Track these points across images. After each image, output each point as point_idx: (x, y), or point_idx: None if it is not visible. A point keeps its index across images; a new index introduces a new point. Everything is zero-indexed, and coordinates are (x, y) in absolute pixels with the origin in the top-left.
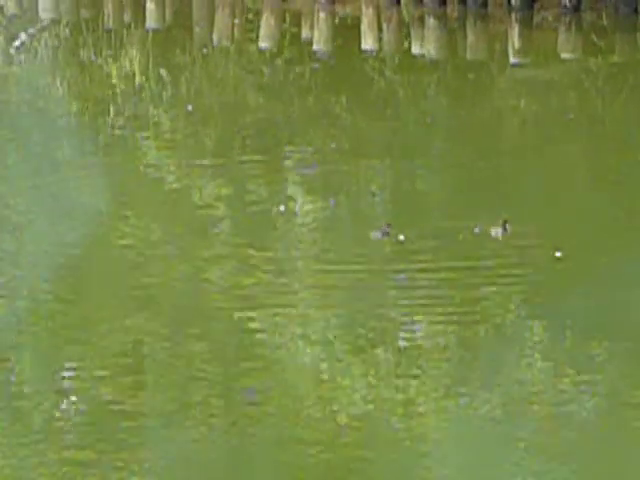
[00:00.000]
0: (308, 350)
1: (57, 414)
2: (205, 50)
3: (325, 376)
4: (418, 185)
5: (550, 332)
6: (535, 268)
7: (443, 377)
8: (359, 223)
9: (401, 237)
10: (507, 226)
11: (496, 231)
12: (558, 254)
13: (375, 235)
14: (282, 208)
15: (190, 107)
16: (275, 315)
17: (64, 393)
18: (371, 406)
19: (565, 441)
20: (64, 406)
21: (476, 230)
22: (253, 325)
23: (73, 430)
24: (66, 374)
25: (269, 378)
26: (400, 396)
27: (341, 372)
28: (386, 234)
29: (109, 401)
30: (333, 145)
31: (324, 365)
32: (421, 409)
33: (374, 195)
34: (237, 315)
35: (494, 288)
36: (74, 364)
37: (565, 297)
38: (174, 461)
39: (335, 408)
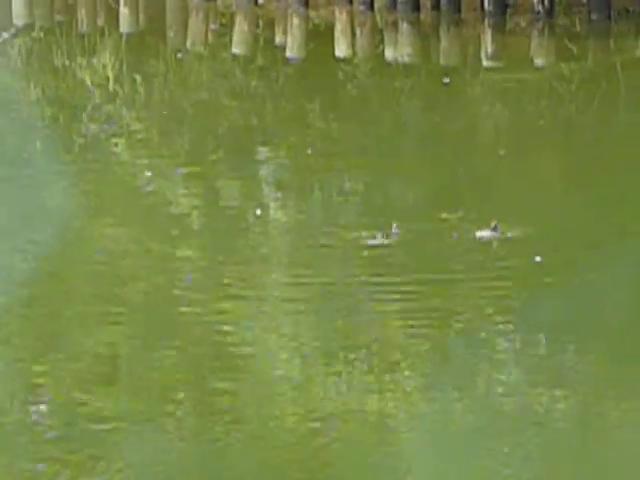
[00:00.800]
0: (282, 357)
1: (28, 421)
2: (180, 55)
3: (299, 381)
4: (392, 189)
5: (526, 338)
6: (515, 273)
7: (416, 382)
8: (333, 226)
9: (377, 240)
10: (498, 228)
11: (482, 234)
12: (538, 259)
13: (372, 242)
14: (258, 212)
15: (164, 111)
16: (249, 322)
17: (34, 401)
18: (344, 410)
19: (538, 447)
20: (35, 416)
21: (454, 235)
22: (228, 331)
23: (43, 439)
24: (37, 381)
25: (242, 383)
26: (373, 400)
27: (314, 378)
28: (387, 236)
29: (81, 404)
30: (308, 150)
31: (297, 370)
32: (394, 412)
33: (348, 199)
34: (212, 321)
35: (471, 294)
36: (45, 368)
37: (544, 302)
38: (148, 467)
39: (309, 411)
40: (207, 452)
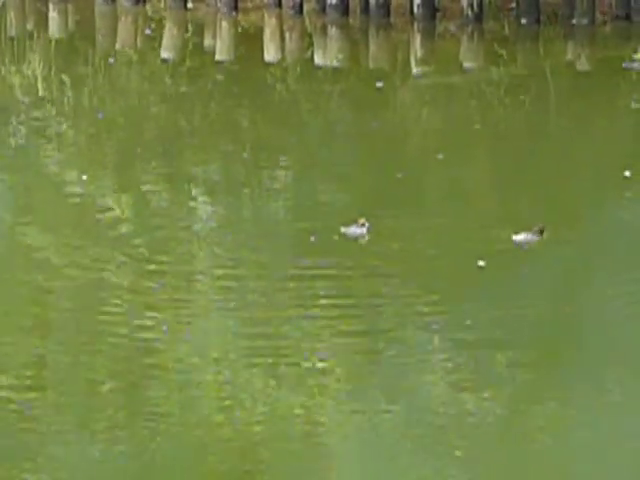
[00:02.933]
0: (209, 365)
1: None
2: (111, 60)
3: (226, 388)
4: (320, 193)
5: (456, 342)
6: (455, 277)
7: (344, 388)
8: (264, 231)
9: (313, 238)
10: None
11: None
12: (481, 263)
13: (351, 230)
14: (187, 216)
15: (93, 116)
16: (177, 330)
17: None
18: (271, 415)
19: (466, 451)
20: None
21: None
22: (154, 339)
23: None
24: None
25: (169, 391)
26: (301, 406)
27: (242, 385)
28: (368, 229)
29: (9, 411)
30: (236, 154)
31: (224, 378)
32: (321, 419)
33: (278, 202)
34: (138, 329)
35: (400, 299)
36: None
37: (479, 306)
38: (76, 474)
39: (237, 418)
40: (131, 456)
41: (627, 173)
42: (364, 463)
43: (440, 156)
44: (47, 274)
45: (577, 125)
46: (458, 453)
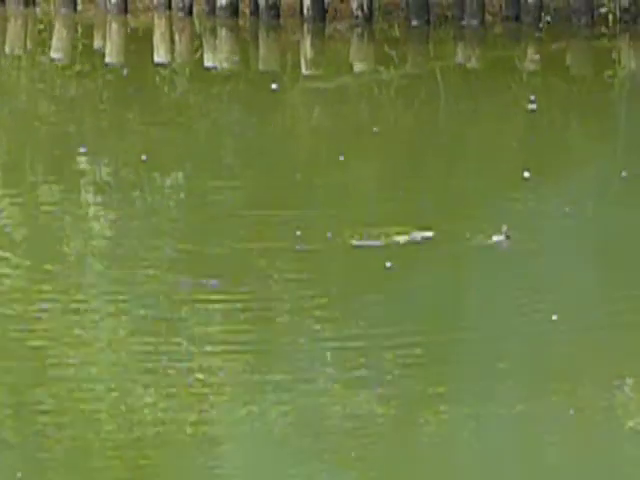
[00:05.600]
0: (101, 370)
1: None
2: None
3: (118, 395)
4: (209, 198)
5: (347, 343)
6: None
7: (236, 389)
8: (152, 236)
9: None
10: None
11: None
12: (388, 264)
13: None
14: (75, 220)
15: None
16: (67, 338)
17: None
18: (165, 420)
19: (357, 454)
20: None
21: (299, 246)
22: (45, 346)
23: None
24: None
25: (63, 398)
26: (193, 410)
27: (134, 391)
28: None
29: None
30: (127, 156)
31: (116, 384)
32: (213, 419)
33: (170, 207)
34: (29, 337)
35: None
36: None
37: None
38: None
39: (129, 422)
40: (25, 465)
41: (526, 174)
42: (252, 462)
43: (334, 157)
44: None
45: (472, 126)
46: (349, 454)
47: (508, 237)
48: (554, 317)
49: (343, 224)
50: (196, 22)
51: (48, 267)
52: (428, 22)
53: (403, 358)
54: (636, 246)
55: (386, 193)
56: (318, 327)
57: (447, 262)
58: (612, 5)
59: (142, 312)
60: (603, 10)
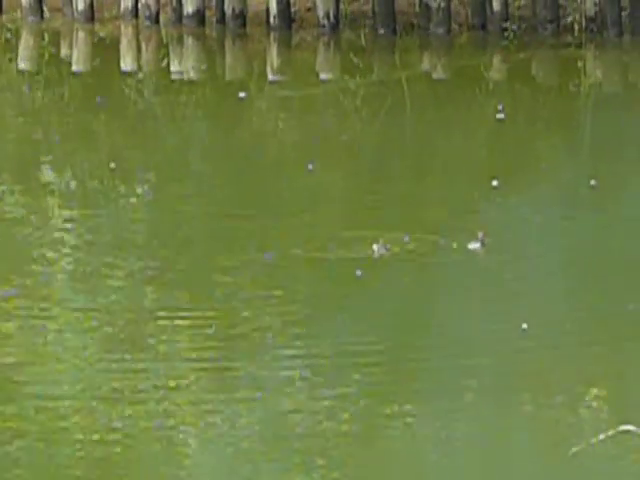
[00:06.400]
0: (67, 387)
1: None
2: None
3: (84, 413)
4: (177, 207)
5: (315, 360)
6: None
7: (197, 391)
8: (119, 247)
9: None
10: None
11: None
12: (359, 273)
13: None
14: (40, 228)
15: None
16: (29, 346)
17: None
18: (127, 423)
19: (322, 472)
20: None
21: (267, 259)
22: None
23: None
24: None
25: (26, 417)
26: (161, 427)
27: (98, 408)
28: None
29: None
30: (93, 165)
31: (80, 402)
32: (179, 435)
33: (134, 215)
34: None
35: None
36: None
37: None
38: None
39: (96, 439)
40: None
41: (495, 183)
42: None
43: (302, 166)
44: None
45: (440, 135)
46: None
47: (484, 244)
48: (524, 326)
49: (312, 233)
50: (163, 30)
51: (12, 279)
52: (395, 31)
53: (369, 376)
54: (605, 254)
55: (356, 202)
56: (287, 341)
57: (419, 270)
58: (578, 14)
59: (107, 329)
60: (569, 19)
